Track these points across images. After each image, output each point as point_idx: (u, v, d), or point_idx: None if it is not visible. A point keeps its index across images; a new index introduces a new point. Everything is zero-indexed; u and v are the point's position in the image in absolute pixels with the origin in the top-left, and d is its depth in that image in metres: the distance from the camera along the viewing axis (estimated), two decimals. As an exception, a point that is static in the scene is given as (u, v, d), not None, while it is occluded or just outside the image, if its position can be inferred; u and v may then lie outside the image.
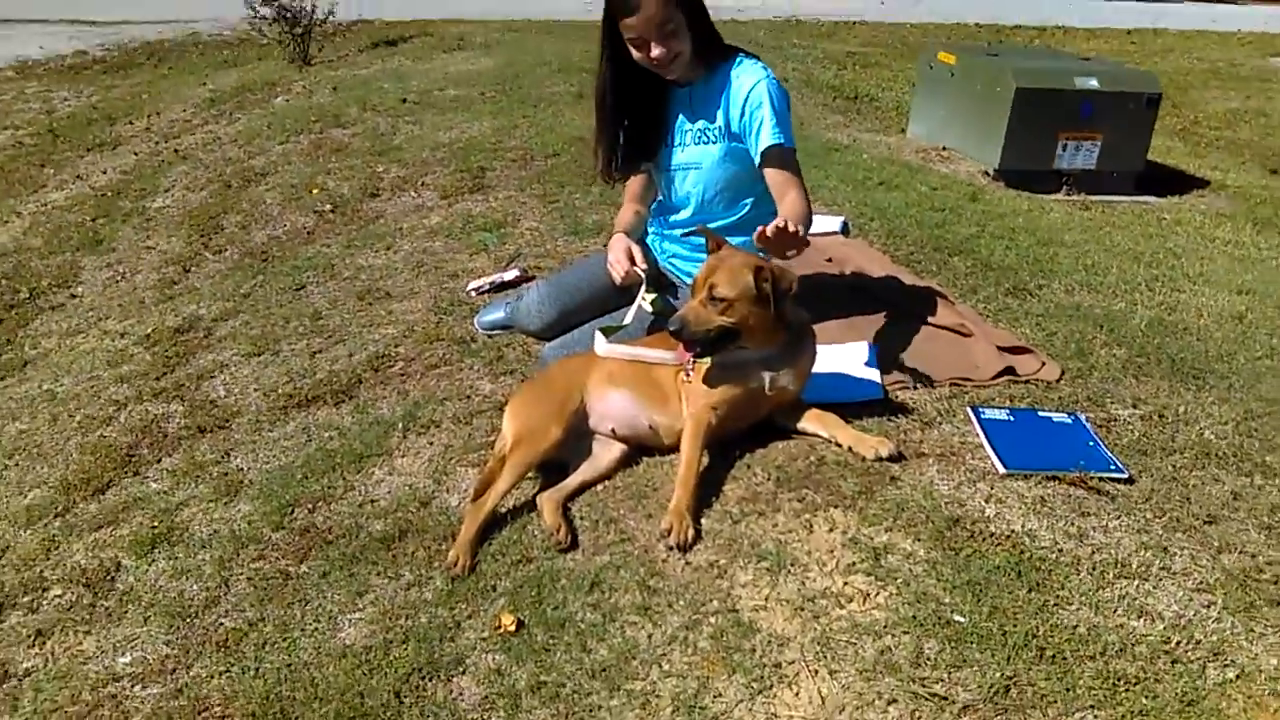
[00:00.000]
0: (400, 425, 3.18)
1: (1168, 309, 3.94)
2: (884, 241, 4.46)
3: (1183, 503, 2.51)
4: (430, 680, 2.16)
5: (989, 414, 2.84)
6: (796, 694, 1.99)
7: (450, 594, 2.40)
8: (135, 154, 7.78)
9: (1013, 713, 1.87)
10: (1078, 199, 6.80)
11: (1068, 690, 1.91)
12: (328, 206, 5.59)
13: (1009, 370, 3.11)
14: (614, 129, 3.11)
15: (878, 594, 2.19)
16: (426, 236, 4.90)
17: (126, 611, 2.61)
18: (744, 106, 2.97)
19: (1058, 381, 3.12)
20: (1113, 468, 2.59)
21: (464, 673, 2.18)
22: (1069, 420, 2.84)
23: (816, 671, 2.02)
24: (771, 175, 2.97)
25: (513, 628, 2.24)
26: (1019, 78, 6.90)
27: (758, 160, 2.97)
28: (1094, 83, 7.03)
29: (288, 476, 3.03)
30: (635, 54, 2.91)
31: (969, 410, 2.87)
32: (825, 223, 4.42)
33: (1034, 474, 2.56)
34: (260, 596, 2.54)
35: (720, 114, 3.03)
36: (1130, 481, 2.57)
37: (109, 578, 2.77)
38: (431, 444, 3.07)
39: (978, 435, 2.75)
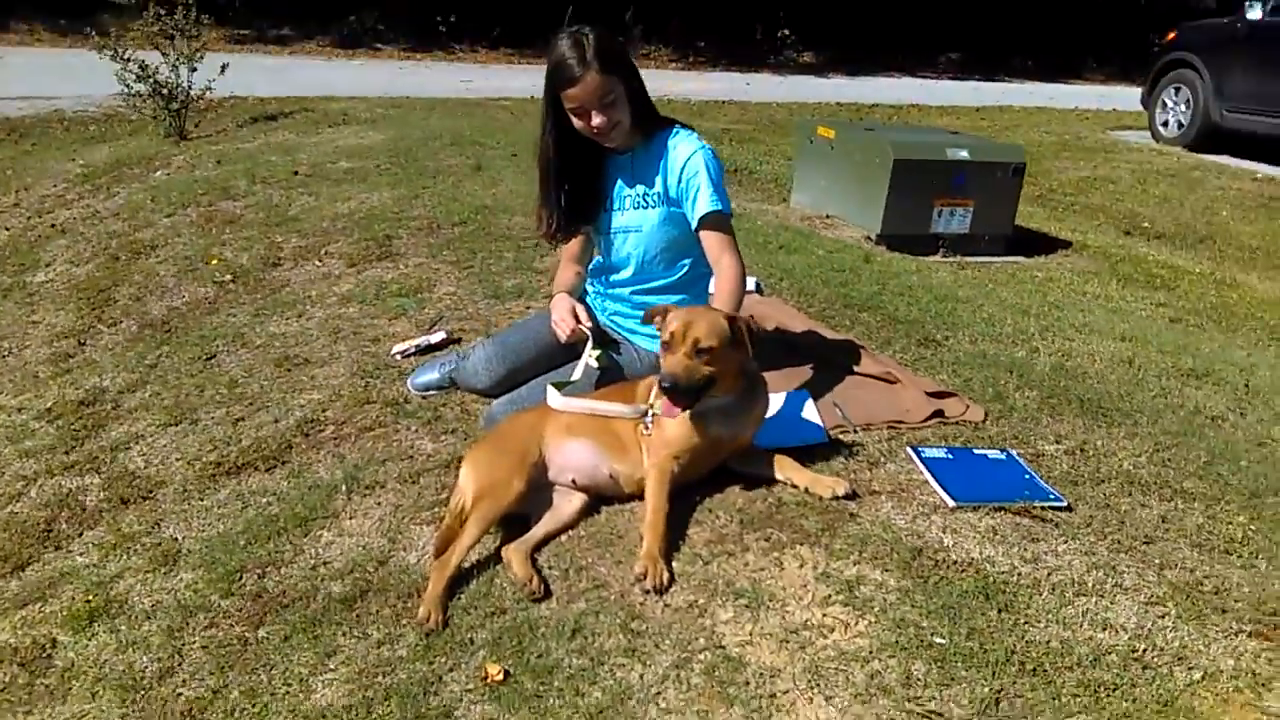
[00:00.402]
0: (343, 488, 3.13)
1: (1064, 355, 4.19)
2: (796, 299, 4.62)
3: (1120, 526, 2.67)
4: (419, 735, 2.12)
5: (929, 453, 2.97)
6: (795, 722, 2.04)
7: (426, 649, 2.37)
8: (7, 229, 7.46)
9: (1007, 724, 1.96)
10: (954, 260, 7.17)
11: (1054, 699, 2.01)
12: (228, 277, 5.46)
13: (938, 413, 3.27)
14: (557, 193, 3.19)
15: (857, 623, 2.26)
16: (339, 304, 4.84)
17: (71, 688, 2.49)
18: (681, 174, 3.08)
19: (983, 422, 3.29)
20: (1052, 497, 2.75)
21: (454, 724, 2.14)
22: (1003, 456, 3.00)
23: (811, 699, 2.07)
24: (708, 239, 3.10)
25: (500, 677, 2.23)
26: (897, 150, 7.29)
27: (694, 224, 3.08)
28: (964, 154, 7.48)
29: (229, 543, 2.94)
30: (576, 123, 3.00)
31: (909, 450, 3.00)
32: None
33: (981, 506, 2.69)
34: (219, 664, 2.45)
35: (659, 180, 3.14)
36: (1069, 509, 2.73)
37: (44, 655, 2.64)
38: (379, 504, 3.03)
39: (922, 473, 2.87)
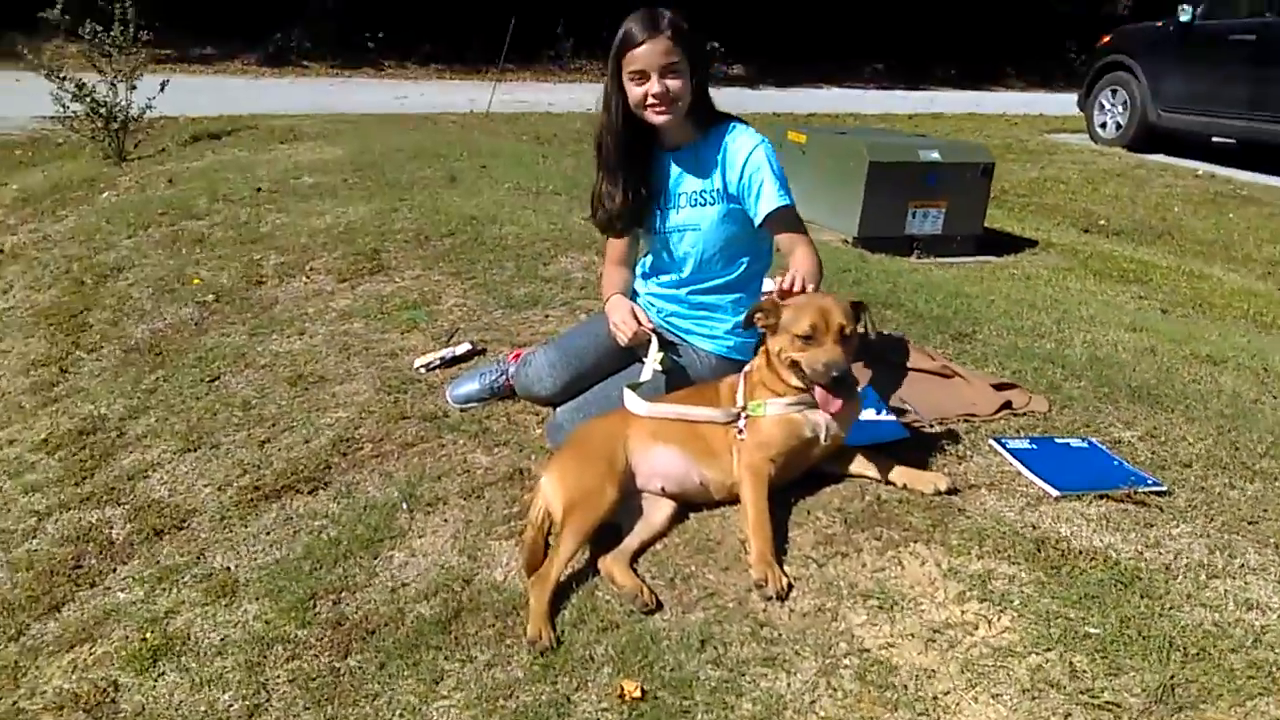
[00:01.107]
0: (403, 506, 2.97)
1: (1091, 346, 4.20)
2: (816, 299, 4.56)
3: (1221, 508, 2.65)
4: (564, 759, 1.99)
5: (1014, 444, 2.92)
6: (966, 723, 1.95)
7: (545, 668, 2.24)
8: (-49, 258, 7.08)
9: (1188, 710, 1.91)
10: (930, 262, 7.22)
11: (1228, 682, 1.96)
12: (210, 296, 5.23)
13: (1006, 405, 3.22)
14: (620, 176, 3.06)
15: (1000, 618, 2.19)
16: (340, 319, 4.66)
17: (150, 733, 2.29)
18: (743, 170, 3.00)
19: (1048, 412, 3.25)
20: (1151, 482, 2.72)
21: (599, 746, 2.02)
22: (1085, 445, 2.96)
23: (976, 698, 1.99)
24: (781, 237, 3.03)
25: (638, 694, 2.10)
26: (872, 152, 7.33)
27: (759, 221, 3.00)
28: (936, 155, 7.55)
29: (291, 570, 2.77)
30: (634, 92, 2.90)
31: (992, 442, 2.95)
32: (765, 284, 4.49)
33: (1085, 494, 2.64)
34: (314, 698, 2.29)
35: (718, 176, 3.05)
36: (1168, 493, 2.70)
37: (109, 700, 2.45)
38: (446, 521, 2.88)
39: (1012, 464, 2.82)
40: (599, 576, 2.51)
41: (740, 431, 2.64)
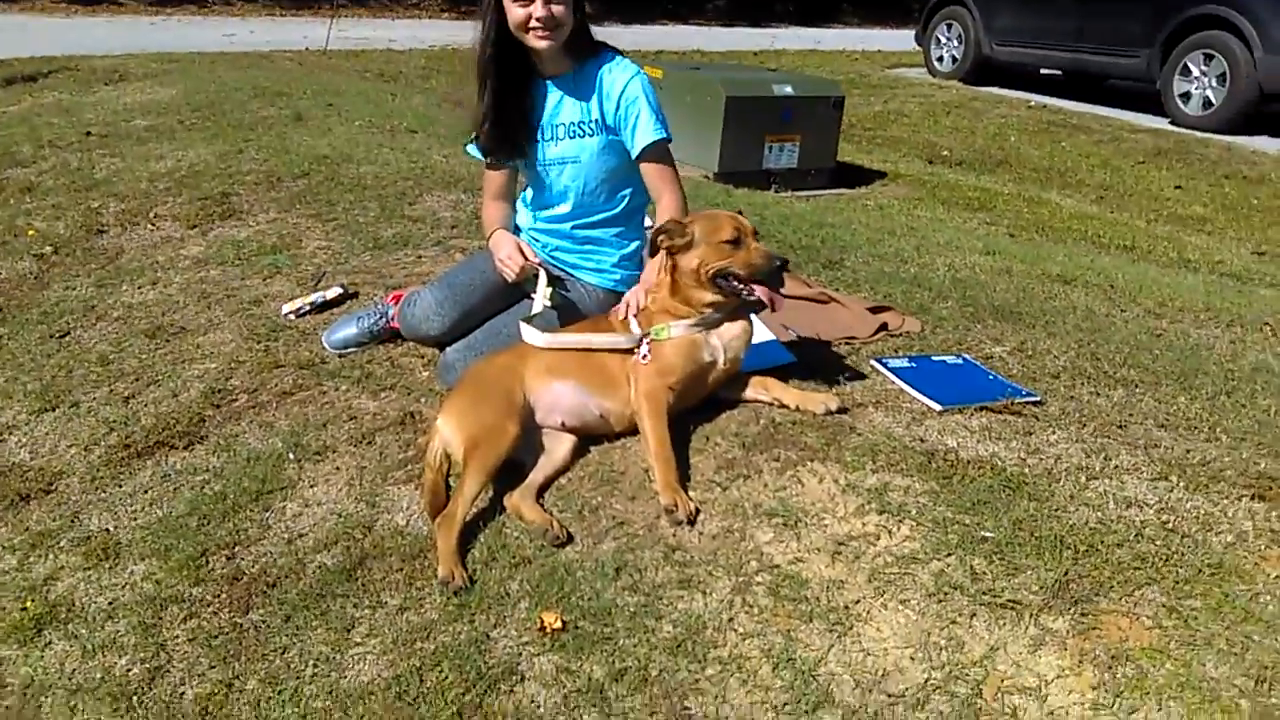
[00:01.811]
0: (291, 455, 2.87)
1: (951, 269, 4.37)
2: (687, 233, 4.59)
3: (1092, 415, 2.81)
4: (490, 695, 1.99)
5: (894, 363, 3.03)
6: (878, 628, 2.04)
7: (460, 608, 2.22)
8: None
9: (1084, 603, 2.03)
10: (788, 195, 7.36)
11: (1117, 575, 2.09)
12: (48, 248, 4.90)
13: (883, 327, 3.33)
14: (504, 99, 2.98)
15: (899, 528, 2.28)
16: (195, 267, 4.44)
17: (41, 704, 2.19)
18: (619, 100, 2.97)
19: (922, 332, 3.38)
20: (1025, 393, 2.86)
21: (524, 680, 2.02)
22: (960, 361, 3.09)
23: (885, 605, 2.08)
24: (649, 170, 3.02)
25: (558, 625, 2.11)
26: (728, 87, 7.38)
27: (635, 154, 2.99)
28: (789, 89, 7.66)
29: (177, 527, 2.65)
30: (515, 14, 2.82)
31: (874, 362, 3.04)
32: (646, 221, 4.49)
33: (966, 407, 2.76)
34: (219, 655, 2.22)
35: (595, 107, 3.01)
36: (1041, 403, 2.84)
37: (-10, 675, 2.29)
38: (339, 469, 2.81)
39: (895, 382, 2.92)
40: (505, 514, 2.49)
41: (644, 357, 2.65)
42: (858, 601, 2.10)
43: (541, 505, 2.50)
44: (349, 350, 3.40)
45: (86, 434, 3.21)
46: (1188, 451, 2.62)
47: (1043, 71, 12.11)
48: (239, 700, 2.09)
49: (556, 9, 2.81)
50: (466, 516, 2.42)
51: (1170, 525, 2.27)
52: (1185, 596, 2.05)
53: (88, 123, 7.23)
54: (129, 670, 2.22)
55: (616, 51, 3.08)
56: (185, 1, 18.26)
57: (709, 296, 2.68)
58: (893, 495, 2.38)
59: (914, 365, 3.03)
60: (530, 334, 2.78)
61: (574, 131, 3.04)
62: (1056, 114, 10.59)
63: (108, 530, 2.72)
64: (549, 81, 3.04)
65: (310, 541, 2.53)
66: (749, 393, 2.81)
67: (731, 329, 2.72)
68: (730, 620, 2.09)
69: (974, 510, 2.31)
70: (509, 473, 2.59)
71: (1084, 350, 3.32)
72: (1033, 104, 11.10)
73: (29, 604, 2.48)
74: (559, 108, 3.04)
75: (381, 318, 3.35)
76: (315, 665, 2.14)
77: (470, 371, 2.83)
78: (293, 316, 3.76)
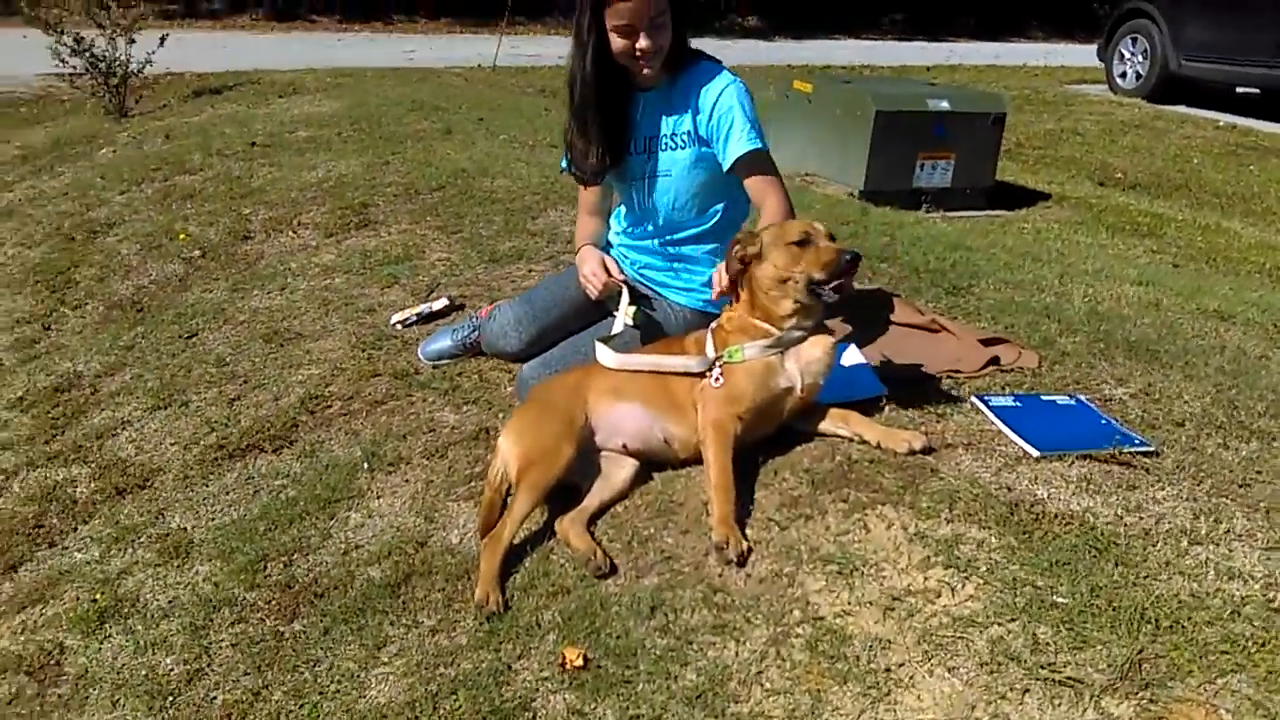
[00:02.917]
0: (364, 465, 2.89)
1: (1091, 300, 4.05)
2: (808, 253, 4.43)
3: (1211, 470, 2.52)
4: (499, 730, 1.91)
5: (997, 401, 2.79)
6: (918, 696, 1.86)
7: (489, 635, 2.15)
8: (-52, 215, 7.03)
9: (1155, 688, 1.79)
10: (938, 215, 7.04)
11: (1200, 658, 1.84)
12: (196, 252, 5.15)
13: (993, 361, 3.09)
14: (597, 124, 2.92)
15: (964, 585, 2.08)
16: (323, 275, 4.56)
17: (88, 697, 2.25)
18: (713, 111, 2.86)
19: (1039, 368, 3.12)
20: (1138, 442, 2.59)
21: (536, 717, 1.93)
22: (1072, 402, 2.83)
23: (932, 671, 1.89)
24: (749, 182, 2.89)
25: (580, 662, 2.02)
26: (878, 101, 7.12)
27: (726, 166, 2.86)
28: (945, 104, 7.33)
29: (246, 531, 2.69)
30: (617, 44, 2.76)
31: (975, 399, 2.82)
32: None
33: (1067, 454, 2.52)
34: (255, 663, 2.23)
35: (689, 118, 2.91)
36: (1156, 454, 2.57)
37: (53, 662, 2.39)
38: (407, 481, 2.80)
39: (994, 423, 2.70)
40: (555, 539, 2.42)
41: (716, 380, 2.53)
42: (901, 664, 1.92)
43: (592, 533, 2.41)
44: (442, 362, 3.40)
45: (189, 433, 3.32)
46: (1314, 518, 2.31)
47: (1238, 90, 11.25)
48: (262, 710, 2.09)
49: (660, 38, 2.73)
50: (514, 539, 2.36)
51: (1275, 604, 1.99)
52: (1278, 690, 1.78)
53: (255, 133, 7.60)
54: (171, 670, 2.26)
55: (714, 61, 2.97)
56: (373, 20, 19.09)
57: (787, 306, 2.54)
58: (964, 548, 2.18)
59: (1019, 404, 2.79)
60: (603, 353, 2.70)
61: (666, 144, 2.95)
62: (1247, 136, 9.81)
63: (185, 529, 2.80)
64: (642, 94, 2.95)
65: (364, 554, 2.52)
66: (827, 425, 2.64)
67: (811, 351, 2.56)
68: (759, 674, 1.95)
69: (1051, 571, 2.08)
70: (565, 496, 2.52)
71: (1221, 396, 3.00)
72: (1222, 124, 10.32)
73: (99, 596, 2.56)
74: (651, 120, 2.96)
75: (474, 331, 3.34)
76: (340, 682, 2.12)
77: (537, 389, 2.77)
78: (399, 326, 3.81)
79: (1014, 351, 3.16)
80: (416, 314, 3.84)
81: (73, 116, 10.37)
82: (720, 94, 2.85)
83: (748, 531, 2.33)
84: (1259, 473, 2.53)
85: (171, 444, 3.29)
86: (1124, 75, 11.89)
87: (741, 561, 2.23)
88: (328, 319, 4.02)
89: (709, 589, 2.17)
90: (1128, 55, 11.79)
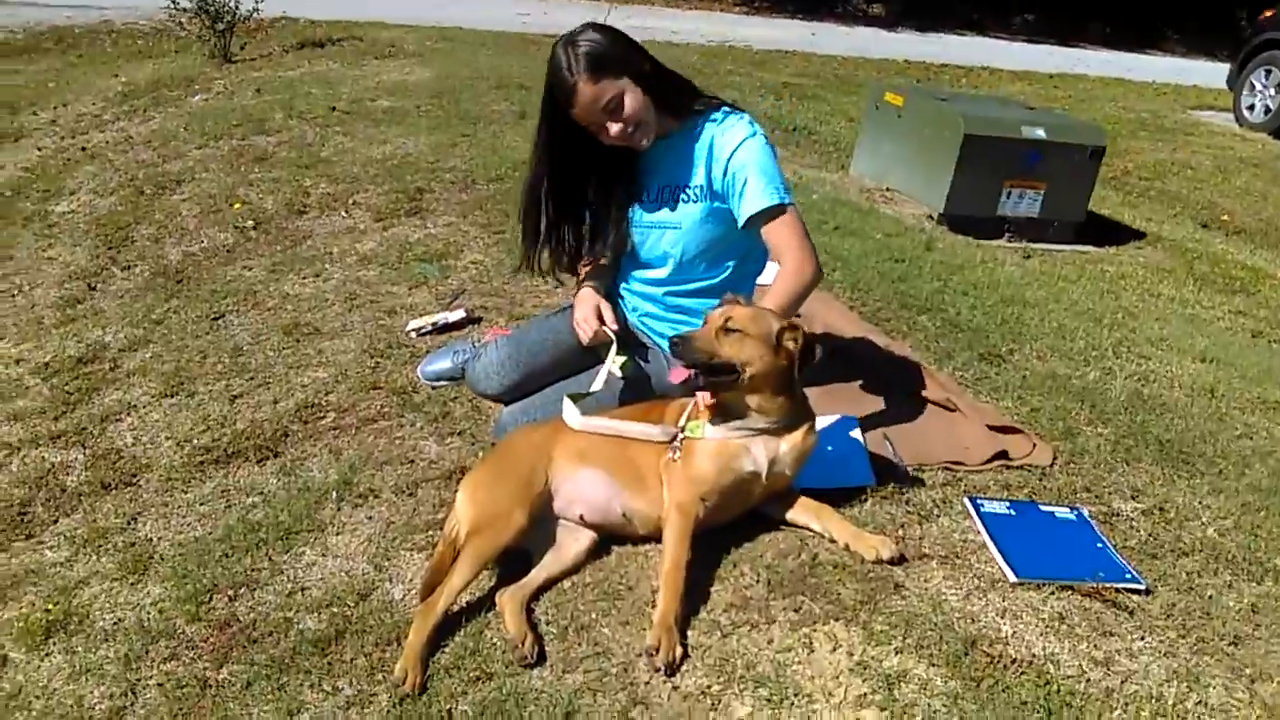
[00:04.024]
0: (334, 494, 2.84)
1: (1140, 379, 3.80)
2: (849, 295, 4.25)
3: (1204, 618, 2.32)
4: (379, 833, 1.84)
5: (989, 507, 2.62)
6: None
7: (399, 719, 2.08)
8: (39, 149, 7.25)
9: None
10: (1020, 246, 6.73)
11: None
12: (249, 223, 5.18)
13: (1001, 454, 2.91)
14: (559, 225, 2.84)
15: (894, 735, 1.94)
16: (359, 264, 4.54)
17: (14, 720, 2.23)
18: (727, 165, 2.71)
19: (1051, 467, 2.93)
20: (1129, 577, 2.39)
21: (419, 823, 1.86)
22: (1073, 516, 2.64)
23: (833, 835, 1.76)
24: (769, 234, 2.72)
25: (475, 768, 1.93)
26: (969, 124, 6.81)
27: (741, 223, 2.72)
28: (1041, 132, 6.98)
29: (204, 553, 2.67)
30: (600, 136, 2.65)
31: (967, 502, 2.65)
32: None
33: (1047, 583, 2.34)
34: (173, 709, 2.19)
35: (702, 171, 2.76)
36: (1146, 593, 2.37)
37: (-7, 674, 2.38)
38: (370, 519, 2.75)
39: (980, 532, 2.53)
40: (495, 611, 2.34)
41: (674, 454, 2.42)
42: (805, 822, 1.80)
43: (532, 609, 2.33)
44: (440, 383, 3.34)
45: (185, 429, 3.33)
46: (1307, 699, 2.10)
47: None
48: (163, 766, 2.05)
49: (627, 112, 2.61)
50: (449, 609, 2.29)
51: (1226, 812, 1.81)
52: None
53: (339, 97, 7.65)
54: (96, 704, 2.24)
55: (730, 107, 2.81)
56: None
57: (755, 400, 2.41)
58: (906, 689, 2.03)
59: (1012, 512, 2.61)
60: (569, 411, 2.59)
61: (675, 196, 2.82)
62: (1380, 186, 9.18)
63: (150, 540, 2.79)
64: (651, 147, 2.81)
65: (307, 598, 2.47)
66: (799, 516, 2.51)
67: (784, 440, 2.42)
68: (655, 808, 1.84)
69: (989, 732, 1.93)
70: (517, 562, 2.44)
71: (1244, 520, 2.77)
72: (1353, 170, 9.67)
73: (53, 605, 2.56)
74: (659, 171, 2.83)
75: (473, 356, 3.26)
76: (245, 747, 2.07)
77: (504, 442, 2.69)
78: (414, 335, 3.76)
79: (1026, 444, 2.97)
80: (433, 324, 3.79)
81: (180, 56, 10.58)
82: (736, 148, 2.70)
83: (690, 634, 2.22)
84: (1258, 626, 2.32)
85: (166, 438, 3.29)
86: (1252, 108, 11.23)
87: (671, 671, 2.12)
88: (349, 316, 4.00)
89: (629, 700, 2.07)
90: (1259, 87, 11.12)
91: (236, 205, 5.38)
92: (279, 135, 6.78)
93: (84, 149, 7.20)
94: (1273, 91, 10.89)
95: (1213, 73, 15.51)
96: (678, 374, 2.39)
